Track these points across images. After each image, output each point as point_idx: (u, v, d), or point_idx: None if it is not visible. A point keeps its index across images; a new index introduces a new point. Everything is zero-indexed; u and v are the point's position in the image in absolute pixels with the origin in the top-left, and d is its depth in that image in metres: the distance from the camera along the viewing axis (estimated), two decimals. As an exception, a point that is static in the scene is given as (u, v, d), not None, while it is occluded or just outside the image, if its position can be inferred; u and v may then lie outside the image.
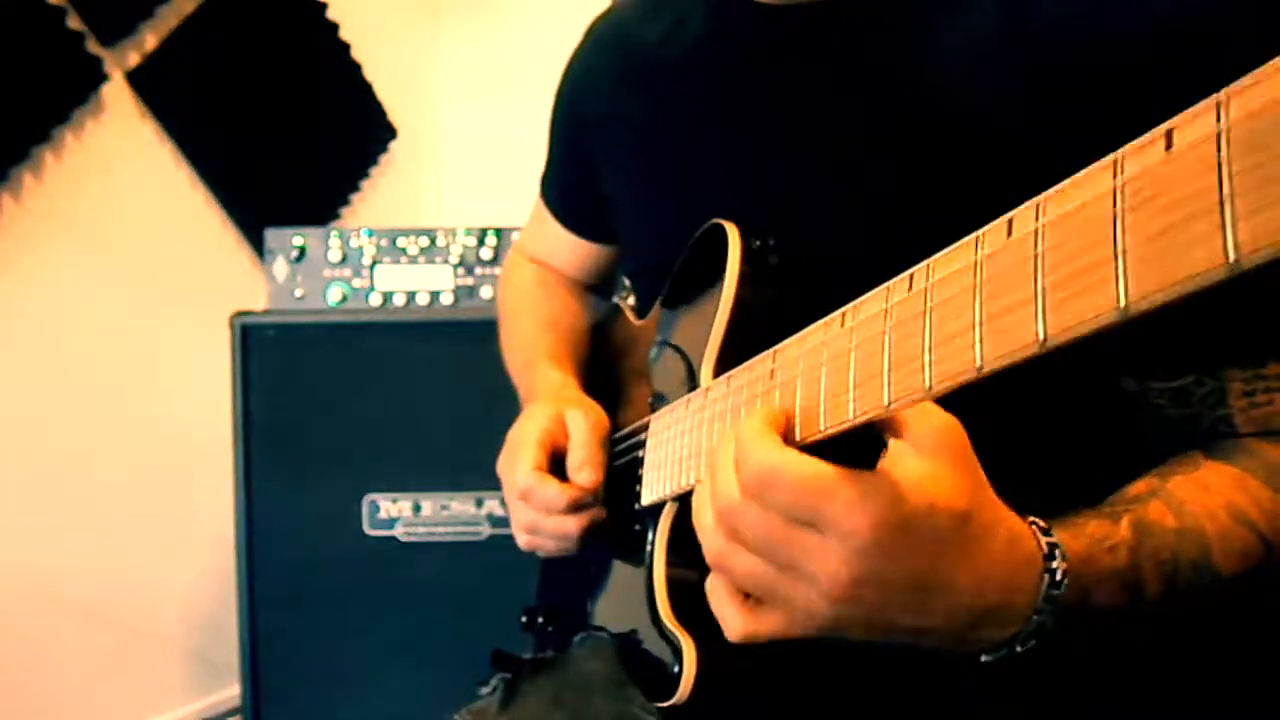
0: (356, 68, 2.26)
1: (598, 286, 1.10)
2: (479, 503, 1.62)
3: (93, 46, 1.73)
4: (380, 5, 2.36)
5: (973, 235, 0.40)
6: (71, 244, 1.75)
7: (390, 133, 2.36)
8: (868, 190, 0.69)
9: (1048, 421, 0.66)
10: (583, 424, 0.82)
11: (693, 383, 0.71)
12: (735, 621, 0.50)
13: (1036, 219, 0.36)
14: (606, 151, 0.90)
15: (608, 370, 0.95)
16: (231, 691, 1.92)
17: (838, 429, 0.46)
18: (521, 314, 1.07)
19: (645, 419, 0.78)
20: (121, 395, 1.84)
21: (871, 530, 0.43)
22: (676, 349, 0.75)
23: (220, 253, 2.03)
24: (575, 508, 0.79)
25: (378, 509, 1.63)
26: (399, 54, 2.42)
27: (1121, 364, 0.64)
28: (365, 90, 2.29)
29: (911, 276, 0.43)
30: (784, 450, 0.46)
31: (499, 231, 1.69)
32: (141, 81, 1.83)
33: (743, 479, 0.47)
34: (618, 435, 0.85)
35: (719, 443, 0.52)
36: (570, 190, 1.01)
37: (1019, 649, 0.48)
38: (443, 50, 2.54)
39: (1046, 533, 0.48)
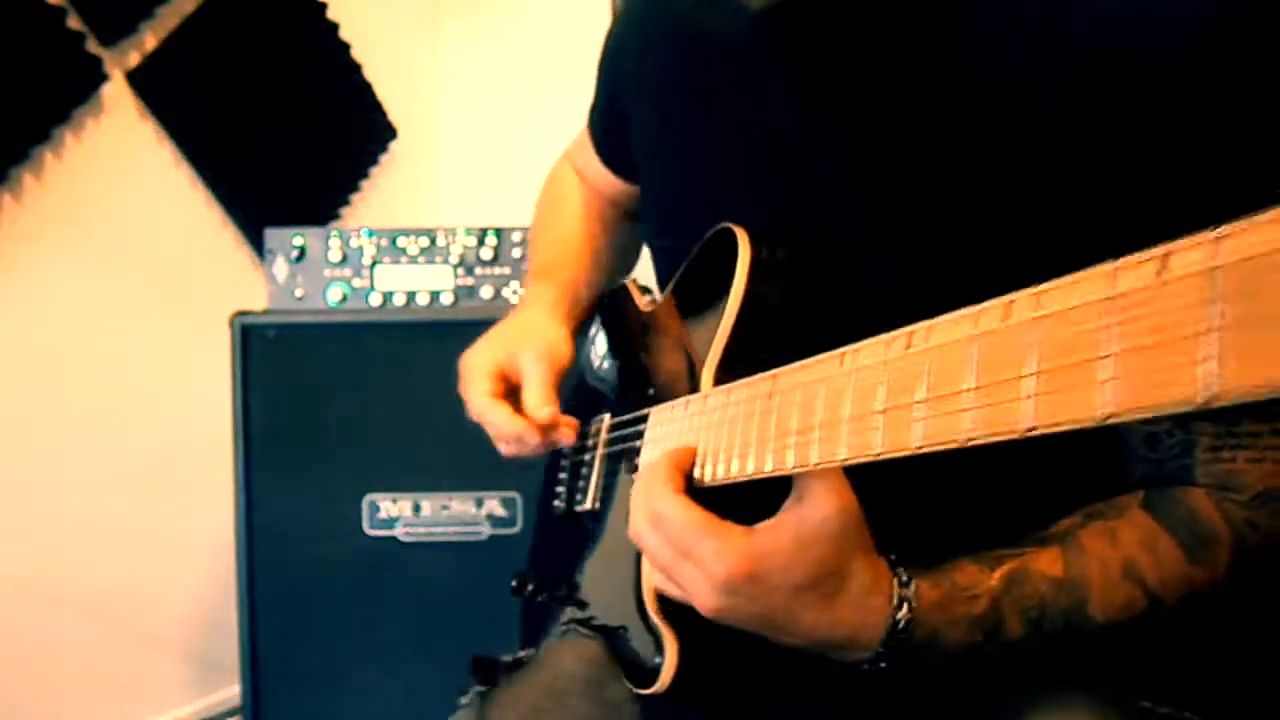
0: (356, 68, 2.26)
1: (634, 212, 1.08)
2: (479, 503, 1.62)
3: (93, 46, 1.73)
4: (380, 5, 2.36)
5: (974, 309, 0.41)
6: (71, 244, 1.75)
7: (390, 133, 2.36)
8: (882, 201, 0.68)
9: (1033, 448, 0.68)
10: (535, 367, 0.88)
11: (693, 383, 0.71)
12: (652, 579, 0.64)
13: (1037, 308, 0.37)
14: (634, 108, 0.90)
15: (614, 350, 0.96)
16: (231, 691, 1.92)
17: (828, 463, 0.49)
18: (547, 219, 1.10)
19: (645, 410, 0.78)
20: (121, 395, 1.84)
21: (726, 578, 0.55)
22: (681, 346, 0.75)
23: (220, 253, 2.03)
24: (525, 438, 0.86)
25: (378, 509, 1.63)
26: (399, 54, 2.42)
27: None
28: (365, 90, 2.29)
29: (911, 335, 0.45)
30: (675, 497, 0.58)
31: (499, 231, 1.68)
32: (141, 81, 1.83)
33: (646, 511, 0.59)
34: (617, 420, 0.86)
35: (643, 474, 0.62)
36: (608, 133, 1.01)
37: (869, 668, 0.58)
38: (443, 50, 2.54)
39: (904, 584, 0.57)
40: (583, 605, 0.84)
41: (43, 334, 1.73)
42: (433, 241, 1.68)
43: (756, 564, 0.54)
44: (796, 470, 0.52)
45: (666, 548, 0.58)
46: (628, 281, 0.98)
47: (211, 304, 1.74)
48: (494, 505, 1.62)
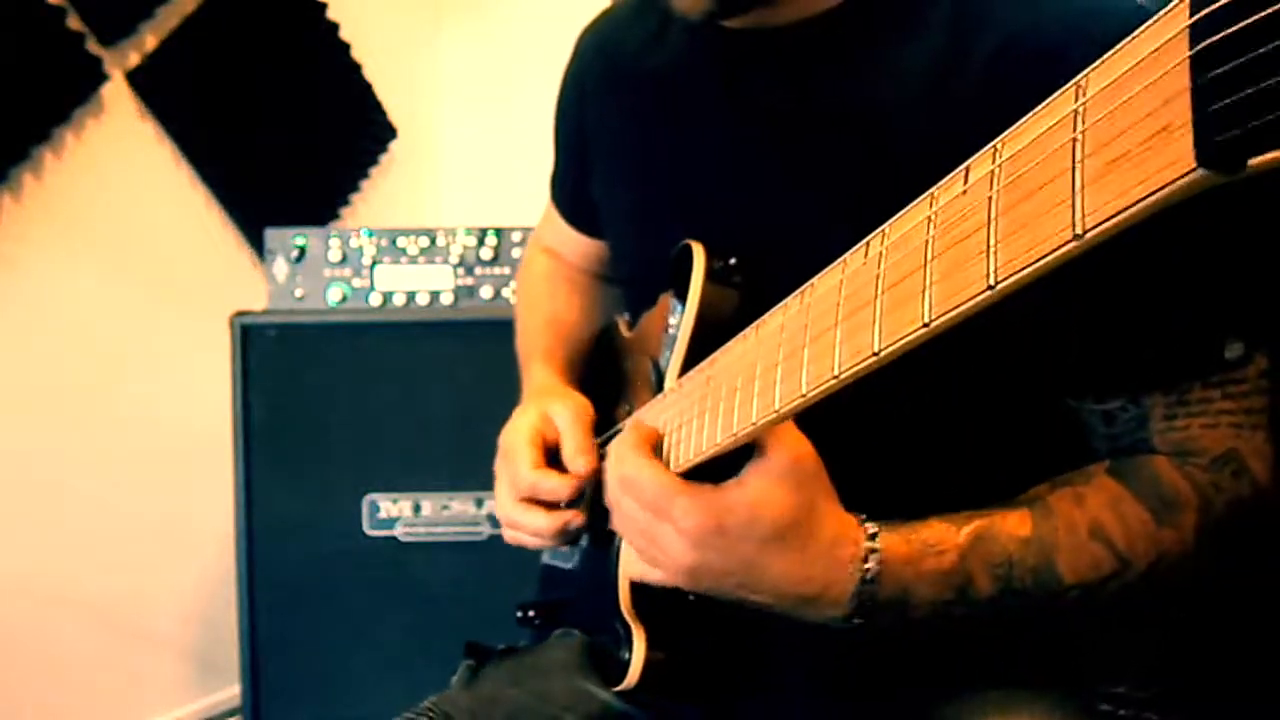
0: (356, 68, 2.26)
1: (608, 275, 1.11)
2: (479, 503, 1.63)
3: (93, 46, 1.73)
4: (380, 5, 2.36)
5: (845, 255, 0.46)
6: (71, 244, 1.75)
7: (390, 133, 2.36)
8: (823, 208, 0.71)
9: (996, 433, 0.72)
10: (567, 416, 0.86)
11: (660, 392, 0.75)
12: (630, 565, 0.66)
13: (882, 243, 0.43)
14: (595, 156, 0.93)
15: (602, 379, 0.98)
16: (231, 691, 1.92)
17: (745, 428, 0.53)
18: (528, 308, 1.10)
19: (619, 425, 0.82)
20: (121, 395, 1.84)
21: (696, 531, 0.57)
22: (652, 361, 0.80)
23: (220, 253, 2.03)
24: (575, 500, 0.84)
25: (378, 509, 1.63)
26: (399, 54, 2.42)
27: (1056, 385, 0.67)
28: (365, 90, 2.29)
29: (801, 293, 0.50)
30: (647, 462, 0.61)
31: (499, 231, 1.69)
32: (141, 81, 1.83)
33: (618, 478, 0.62)
34: (600, 439, 0.88)
35: (614, 446, 0.64)
36: (571, 191, 1.03)
37: (844, 624, 0.59)
38: (443, 50, 2.54)
39: (871, 538, 0.59)
40: (577, 623, 0.88)
41: (43, 334, 1.73)
42: (433, 241, 1.68)
43: (723, 516, 0.57)
44: (729, 440, 0.55)
45: (640, 511, 0.60)
46: (617, 317, 1.01)
47: (211, 304, 1.74)
48: (494, 505, 1.62)
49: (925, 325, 0.37)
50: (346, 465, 1.62)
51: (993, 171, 0.35)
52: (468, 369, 1.61)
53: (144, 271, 1.88)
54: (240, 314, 1.62)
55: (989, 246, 0.34)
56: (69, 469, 1.77)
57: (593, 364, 1.03)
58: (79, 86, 1.72)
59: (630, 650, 0.70)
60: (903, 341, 0.39)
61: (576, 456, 0.83)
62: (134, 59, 1.82)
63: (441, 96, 2.55)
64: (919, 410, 0.69)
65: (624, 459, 0.62)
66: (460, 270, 1.68)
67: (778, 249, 0.72)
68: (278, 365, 1.62)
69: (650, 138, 0.85)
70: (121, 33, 1.78)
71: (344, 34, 2.21)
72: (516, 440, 0.87)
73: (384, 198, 2.38)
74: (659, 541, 0.60)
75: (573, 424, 0.85)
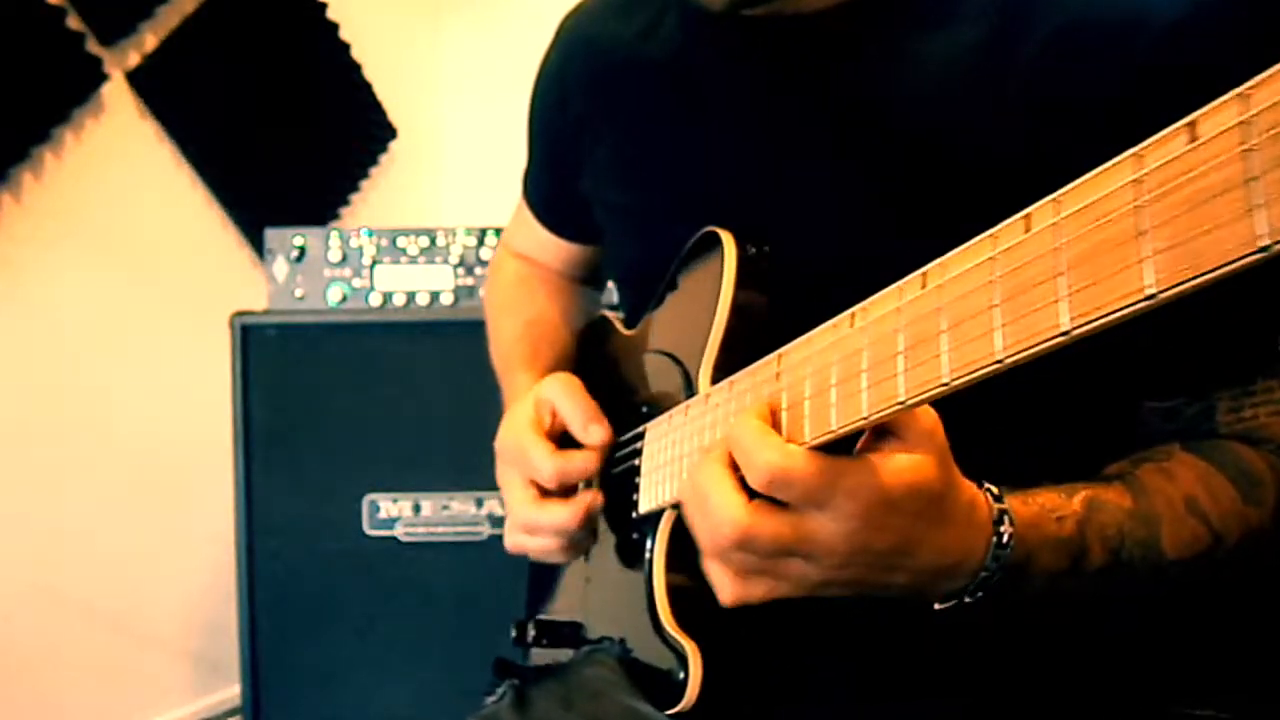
0: (356, 68, 2.26)
1: (585, 278, 1.08)
2: (479, 503, 1.62)
3: (93, 46, 1.73)
4: (380, 5, 2.36)
5: (988, 232, 0.41)
6: (71, 244, 1.75)
7: (390, 132, 2.36)
8: (841, 203, 0.70)
9: (1046, 430, 0.70)
10: (561, 392, 0.82)
11: (690, 390, 0.71)
12: (727, 590, 0.55)
13: (1056, 214, 0.37)
14: (586, 152, 0.89)
15: (598, 382, 0.93)
16: (231, 691, 1.92)
17: (851, 426, 0.48)
18: (503, 314, 1.07)
19: (640, 428, 0.77)
20: (122, 395, 1.84)
21: (867, 509, 0.49)
22: (671, 357, 0.75)
23: (220, 253, 2.03)
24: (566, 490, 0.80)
25: (378, 509, 1.63)
26: (399, 54, 2.42)
27: (1115, 386, 0.66)
28: (365, 90, 2.29)
29: (925, 275, 0.45)
30: (790, 447, 0.50)
31: (499, 231, 1.68)
32: (141, 81, 1.83)
33: (754, 480, 0.50)
34: (614, 444, 0.84)
35: (707, 454, 0.55)
36: (550, 193, 1.00)
37: (967, 599, 0.55)
38: (443, 50, 2.54)
39: (998, 499, 0.55)
40: (594, 642, 0.82)
41: (43, 334, 1.73)
42: (433, 241, 1.68)
43: (890, 490, 0.49)
44: (824, 437, 0.50)
45: (784, 521, 0.51)
46: (606, 313, 0.97)
47: (211, 304, 1.74)
48: (494, 505, 1.62)
49: (1064, 334, 0.36)
50: (346, 465, 1.62)
51: (1134, 180, 0.33)
52: (468, 369, 1.60)
53: (144, 271, 1.88)
54: (240, 314, 1.62)
55: (1141, 258, 0.32)
56: (69, 469, 1.77)
57: (585, 365, 0.99)
58: (79, 86, 1.72)
59: (685, 669, 0.64)
60: (1032, 352, 0.37)
61: (589, 426, 0.78)
62: (134, 59, 1.82)
63: (441, 96, 2.55)
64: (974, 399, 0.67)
65: (757, 450, 0.50)
66: (460, 270, 1.68)
67: (794, 245, 0.70)
68: (278, 365, 1.62)
69: (650, 131, 0.82)
70: (121, 33, 1.78)
71: (344, 34, 2.21)
72: (521, 437, 0.82)
73: (384, 198, 2.38)
74: (807, 544, 0.51)
75: (570, 398, 0.81)
